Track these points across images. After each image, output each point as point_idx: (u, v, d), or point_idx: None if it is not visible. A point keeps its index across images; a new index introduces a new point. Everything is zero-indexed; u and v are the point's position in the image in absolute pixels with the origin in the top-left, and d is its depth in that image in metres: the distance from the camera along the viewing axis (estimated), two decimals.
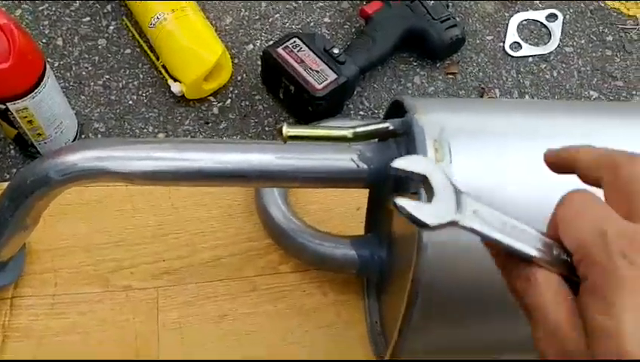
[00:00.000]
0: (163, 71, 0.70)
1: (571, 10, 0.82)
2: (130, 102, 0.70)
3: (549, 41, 0.79)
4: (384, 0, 0.73)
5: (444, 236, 0.38)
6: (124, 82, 0.71)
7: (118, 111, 0.69)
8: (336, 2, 0.79)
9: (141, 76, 0.72)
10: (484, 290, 0.42)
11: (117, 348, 0.56)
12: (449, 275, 0.41)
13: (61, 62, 0.72)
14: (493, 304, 0.43)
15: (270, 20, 0.77)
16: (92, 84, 0.71)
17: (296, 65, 0.65)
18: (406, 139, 0.43)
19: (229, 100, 0.71)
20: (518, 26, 0.80)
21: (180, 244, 0.61)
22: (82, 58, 0.72)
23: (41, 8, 0.75)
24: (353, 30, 0.77)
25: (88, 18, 0.75)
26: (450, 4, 0.78)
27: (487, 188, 0.38)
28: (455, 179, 0.27)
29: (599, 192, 0.26)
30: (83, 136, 0.67)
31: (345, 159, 0.45)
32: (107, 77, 0.71)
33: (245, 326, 0.58)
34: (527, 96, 0.76)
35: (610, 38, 0.81)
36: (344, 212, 0.64)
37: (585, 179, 0.27)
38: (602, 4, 0.83)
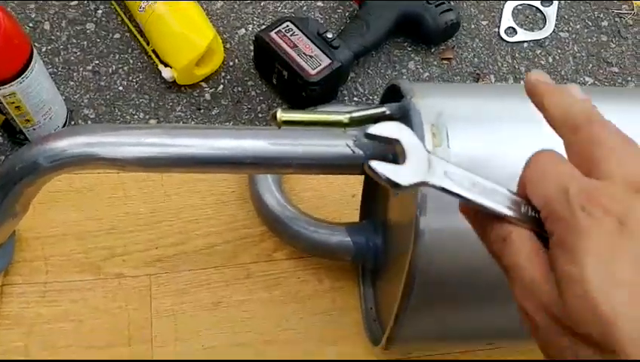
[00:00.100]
0: (153, 56, 0.69)
1: None
2: (121, 88, 0.69)
3: (544, 27, 0.79)
4: None
5: (441, 222, 0.38)
6: (113, 68, 0.70)
7: (108, 97, 0.68)
8: None
9: (131, 61, 0.70)
10: (480, 276, 0.41)
11: (110, 335, 0.55)
12: (446, 261, 0.40)
13: (49, 47, 0.70)
14: (489, 290, 0.43)
15: (262, 4, 0.76)
16: (81, 69, 0.70)
17: (289, 50, 0.64)
18: (403, 124, 0.42)
19: (221, 86, 0.70)
20: (513, 11, 0.79)
21: (173, 232, 0.60)
22: (70, 43, 0.71)
23: None
24: (347, 14, 0.76)
25: (76, 2, 0.73)
26: None
27: (484, 173, 0.38)
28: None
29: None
30: (72, 122, 0.66)
31: (340, 145, 0.44)
32: (96, 62, 0.70)
33: (240, 313, 0.57)
34: (522, 82, 0.75)
35: (605, 23, 0.80)
36: (339, 199, 0.63)
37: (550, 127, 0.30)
38: None
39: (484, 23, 0.78)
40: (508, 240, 0.27)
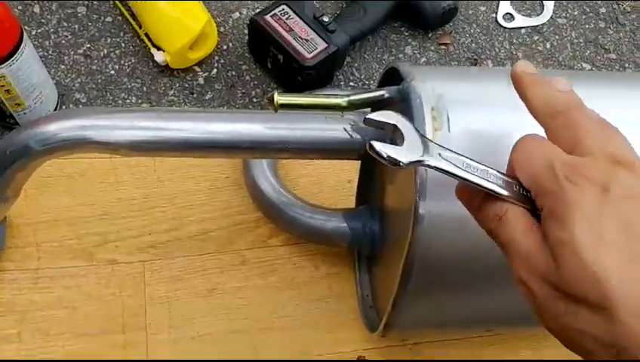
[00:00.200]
0: (146, 39, 0.68)
1: None
2: (112, 72, 0.68)
3: (541, 12, 0.78)
4: None
5: (440, 207, 0.38)
6: (105, 51, 0.69)
7: (99, 81, 0.67)
8: None
9: (123, 45, 0.69)
10: (478, 262, 0.41)
11: (103, 322, 0.55)
12: (444, 247, 0.40)
13: (39, 31, 0.69)
14: (487, 275, 0.43)
15: None
16: (72, 53, 0.68)
17: (284, 33, 0.63)
18: (401, 108, 0.41)
19: (215, 70, 0.69)
20: None
21: (166, 218, 0.59)
22: (61, 26, 0.69)
23: None
24: None
25: None
26: None
27: (485, 156, 0.37)
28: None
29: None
30: (64, 107, 0.65)
31: (338, 129, 0.44)
32: (88, 46, 0.69)
33: (235, 300, 0.57)
34: None
35: (603, 9, 0.80)
36: (335, 185, 0.63)
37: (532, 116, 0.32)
38: None
39: (481, 8, 0.77)
40: (504, 218, 0.29)
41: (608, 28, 0.78)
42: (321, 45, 0.63)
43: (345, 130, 0.44)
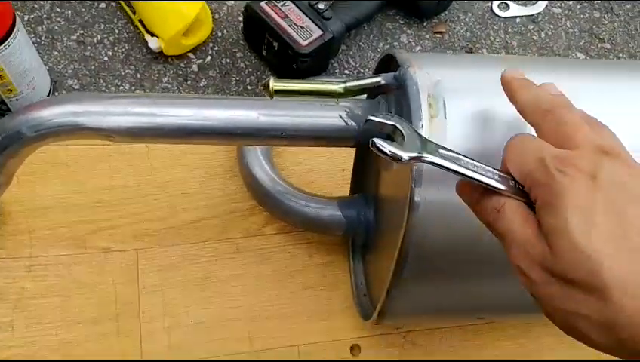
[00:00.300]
0: (140, 26, 0.67)
1: None
2: (106, 58, 0.67)
3: (536, 2, 0.78)
4: None
5: (435, 195, 0.38)
6: (99, 37, 0.68)
7: (92, 67, 0.66)
8: None
9: (117, 31, 0.68)
10: (472, 249, 0.41)
11: (96, 310, 0.54)
12: (439, 234, 0.40)
13: (31, 16, 0.68)
14: (481, 263, 0.43)
15: None
16: (65, 39, 0.67)
17: (280, 20, 0.63)
18: (397, 95, 0.41)
19: (209, 57, 0.69)
20: None
21: (160, 205, 0.59)
22: (54, 12, 0.69)
23: None
24: None
25: None
26: None
27: (480, 143, 0.37)
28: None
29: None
30: (57, 93, 0.64)
31: (333, 117, 0.44)
32: (81, 32, 0.68)
33: (229, 288, 0.57)
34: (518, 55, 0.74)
35: None
36: (329, 173, 0.63)
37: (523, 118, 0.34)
38: None
39: None
40: (502, 210, 0.30)
41: (603, 18, 0.78)
42: (317, 32, 0.63)
43: (340, 117, 0.44)
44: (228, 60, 0.69)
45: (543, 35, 0.76)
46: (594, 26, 0.78)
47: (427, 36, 0.73)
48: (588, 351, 0.30)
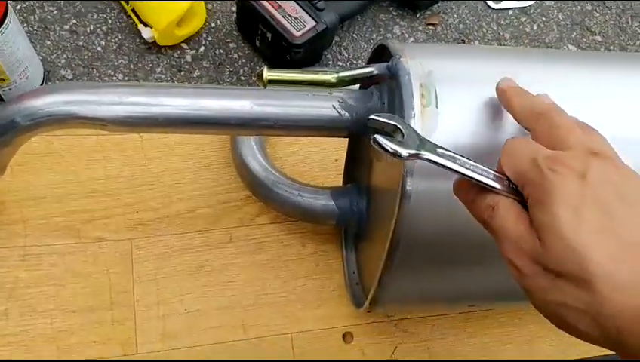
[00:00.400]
0: (133, 15, 0.67)
1: None
2: (99, 48, 0.67)
3: None
4: None
5: (427, 185, 0.38)
6: (92, 27, 0.68)
7: (85, 57, 0.66)
8: None
9: (110, 21, 0.68)
10: (463, 239, 0.42)
11: (91, 299, 0.55)
12: (430, 224, 0.40)
13: (23, 5, 0.68)
14: (472, 252, 0.43)
15: None
16: (58, 28, 0.67)
17: (273, 11, 0.63)
18: (390, 85, 0.42)
19: (203, 48, 0.69)
20: None
21: (154, 195, 0.59)
22: (46, 1, 0.68)
23: None
24: None
25: None
26: None
27: (471, 134, 0.38)
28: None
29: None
30: (49, 83, 0.64)
31: (326, 107, 0.44)
32: (74, 21, 0.68)
33: (223, 277, 0.57)
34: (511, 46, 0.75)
35: None
36: (322, 163, 0.63)
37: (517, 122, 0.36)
38: None
39: None
40: (496, 208, 0.32)
41: (595, 10, 0.79)
42: (310, 23, 0.63)
43: (334, 107, 0.44)
44: (221, 51, 0.69)
45: (535, 27, 0.77)
46: (585, 19, 0.78)
47: (420, 28, 0.74)
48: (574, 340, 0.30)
